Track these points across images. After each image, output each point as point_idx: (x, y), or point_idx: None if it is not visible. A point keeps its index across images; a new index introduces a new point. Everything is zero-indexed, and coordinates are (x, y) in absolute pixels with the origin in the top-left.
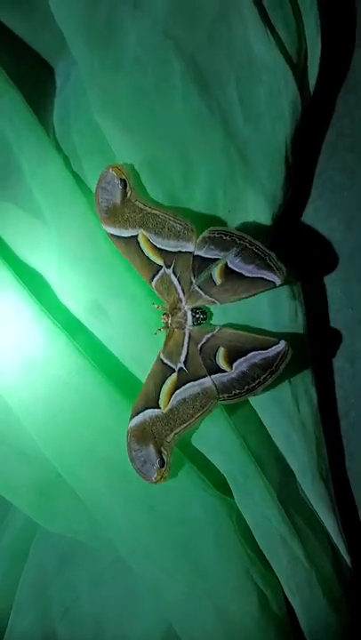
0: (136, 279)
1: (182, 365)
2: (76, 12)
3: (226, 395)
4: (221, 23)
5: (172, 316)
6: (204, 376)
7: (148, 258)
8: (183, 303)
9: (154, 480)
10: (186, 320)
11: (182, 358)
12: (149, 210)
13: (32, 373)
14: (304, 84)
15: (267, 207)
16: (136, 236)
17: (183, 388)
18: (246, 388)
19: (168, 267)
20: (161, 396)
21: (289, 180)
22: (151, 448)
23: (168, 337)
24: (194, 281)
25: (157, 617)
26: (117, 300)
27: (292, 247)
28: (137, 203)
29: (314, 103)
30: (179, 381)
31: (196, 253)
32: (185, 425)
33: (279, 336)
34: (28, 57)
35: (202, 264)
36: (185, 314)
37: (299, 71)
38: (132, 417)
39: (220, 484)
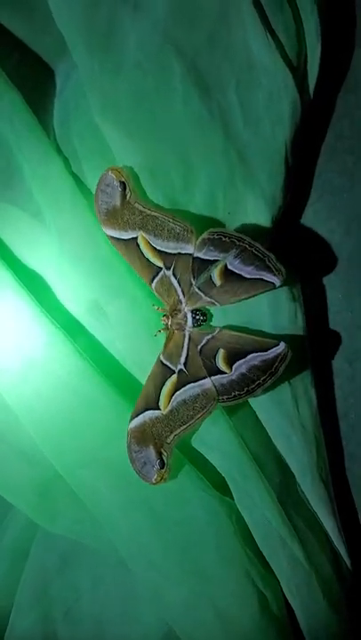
0: (136, 280)
1: (182, 367)
2: (76, 15)
3: (225, 396)
4: (221, 26)
5: (172, 317)
6: (204, 377)
7: (147, 260)
8: (183, 305)
9: (154, 481)
10: (186, 321)
11: (182, 360)
12: (149, 212)
13: (32, 373)
14: (304, 88)
15: (266, 209)
16: (136, 238)
17: (183, 389)
18: (246, 389)
19: (168, 268)
20: (161, 397)
21: (288, 183)
22: (151, 449)
23: (168, 338)
24: (194, 282)
25: (158, 618)
26: (117, 301)
27: (291, 249)
28: (136, 205)
29: (313, 105)
30: (179, 383)
31: (195, 255)
32: (185, 426)
33: (279, 338)
34: (29, 59)
35: (201, 266)
36: (185, 315)
37: (298, 74)
38: (132, 418)
39: (220, 485)
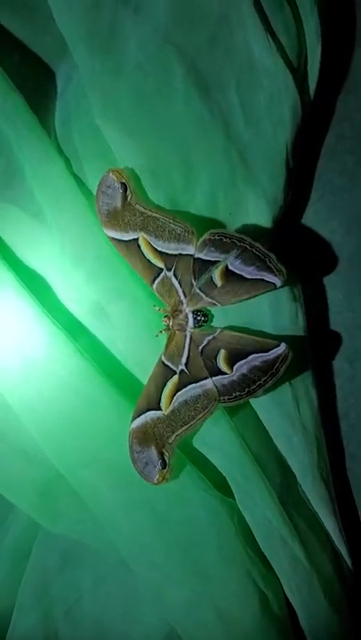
0: (137, 281)
1: (183, 367)
2: (77, 16)
3: (227, 397)
4: (222, 27)
5: (173, 318)
6: (205, 378)
7: (148, 261)
8: (184, 305)
9: (155, 481)
10: (187, 322)
11: (183, 360)
12: (150, 213)
13: (33, 373)
14: (304, 89)
15: (267, 210)
16: (137, 239)
17: (184, 389)
18: (247, 390)
19: (169, 269)
20: (162, 397)
21: (289, 183)
22: (153, 449)
23: (169, 339)
24: (195, 283)
25: (159, 618)
26: (119, 301)
27: (292, 249)
28: (137, 206)
29: (314, 105)
30: (180, 383)
31: (196, 256)
32: (186, 427)
33: (280, 338)
34: (30, 60)
35: (202, 266)
36: (186, 316)
37: (299, 75)
38: (134, 418)
39: (221, 486)
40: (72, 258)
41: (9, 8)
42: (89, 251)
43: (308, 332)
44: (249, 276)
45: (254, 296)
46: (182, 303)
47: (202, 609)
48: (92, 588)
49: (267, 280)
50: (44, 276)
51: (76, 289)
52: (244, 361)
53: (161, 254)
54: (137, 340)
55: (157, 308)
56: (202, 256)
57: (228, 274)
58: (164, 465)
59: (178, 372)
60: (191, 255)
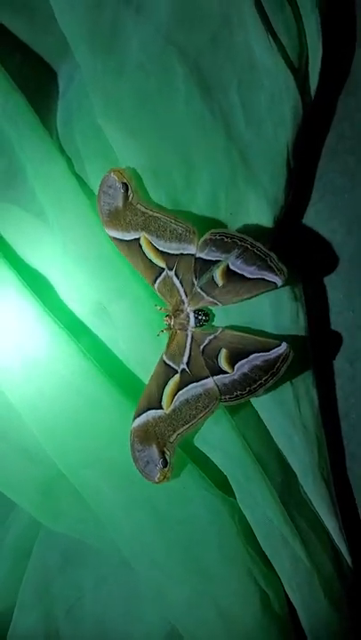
0: (139, 281)
1: (185, 366)
2: (79, 16)
3: (228, 396)
4: (223, 28)
5: (174, 317)
6: (207, 377)
7: (150, 260)
8: (185, 305)
9: (157, 480)
10: (188, 322)
11: (185, 359)
12: (151, 213)
13: (35, 373)
14: (305, 89)
15: (268, 210)
16: (138, 238)
17: (186, 389)
18: (248, 389)
19: (170, 269)
20: (164, 396)
21: (290, 183)
22: (154, 448)
23: (171, 338)
24: (196, 283)
25: (160, 617)
26: (120, 301)
27: (293, 249)
28: (139, 206)
29: (314, 106)
30: (181, 382)
31: (197, 255)
32: (187, 426)
33: (281, 338)
34: (31, 60)
35: (204, 266)
36: (187, 315)
37: (300, 76)
38: (135, 417)
39: (222, 485)
40: (74, 257)
41: (10, 8)
42: (91, 250)
43: (308, 331)
44: (250, 276)
45: (255, 295)
46: (184, 303)
47: (203, 608)
48: (93, 587)
49: (268, 279)
50: (45, 275)
51: (78, 288)
52: (246, 360)
53: (162, 254)
54: (138, 340)
55: (159, 308)
56: (203, 256)
57: (230, 273)
58: (165, 464)
59: (179, 371)
60: (192, 255)
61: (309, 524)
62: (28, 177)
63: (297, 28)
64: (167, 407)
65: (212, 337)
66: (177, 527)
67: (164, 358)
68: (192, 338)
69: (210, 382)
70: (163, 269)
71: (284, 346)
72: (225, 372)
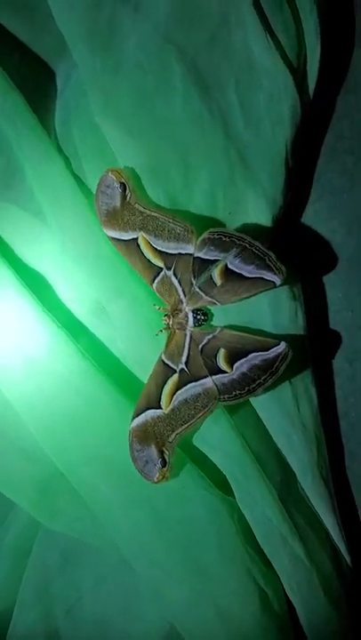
0: (137, 280)
1: (184, 366)
2: (77, 15)
3: (226, 395)
4: (222, 27)
5: (173, 317)
6: (205, 377)
7: (148, 260)
8: (184, 304)
9: (156, 480)
10: (187, 321)
11: (184, 359)
12: (149, 212)
13: (34, 372)
14: (304, 88)
15: (267, 209)
16: (136, 238)
17: (184, 388)
18: (247, 388)
19: (169, 269)
20: (162, 396)
21: (289, 183)
22: (153, 448)
23: (169, 338)
24: (194, 282)
25: (159, 616)
26: (119, 300)
27: (292, 249)
28: (137, 206)
29: (313, 105)
30: (180, 382)
31: (196, 255)
32: (186, 425)
33: (279, 337)
34: (30, 59)
35: (202, 265)
36: (186, 315)
37: (298, 75)
38: (134, 417)
39: (222, 484)
40: (72, 257)
41: (9, 8)
42: (89, 250)
43: (307, 331)
44: (248, 275)
45: (254, 295)
46: (182, 302)
47: (202, 607)
48: (92, 586)
49: (266, 279)
50: (44, 274)
51: (77, 288)
52: (244, 360)
53: (161, 253)
54: (137, 339)
55: (157, 307)
56: (201, 255)
57: (228, 272)
58: (164, 463)
59: (178, 370)
60: (191, 254)
61: (308, 523)
62: (26, 176)
63: (295, 27)
64: (166, 407)
65: (210, 336)
66: (176, 526)
67: (163, 358)
68: (191, 337)
69: (209, 382)
70: (161, 269)
71: (282, 345)
72: (224, 372)
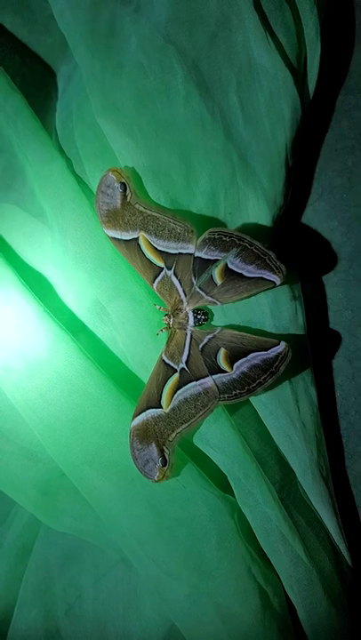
0: (138, 280)
1: (184, 366)
2: (78, 17)
3: (227, 395)
4: (222, 28)
5: (173, 316)
6: (206, 376)
7: (149, 260)
8: (185, 304)
9: (156, 479)
10: (187, 321)
11: (184, 358)
12: (149, 212)
13: (35, 372)
14: (304, 88)
15: (267, 209)
16: (137, 238)
17: (185, 387)
18: (247, 388)
19: (169, 268)
20: (163, 395)
21: (289, 183)
22: (153, 447)
23: (170, 337)
24: (195, 282)
25: (160, 615)
26: (120, 300)
27: (292, 249)
28: (137, 205)
29: (313, 105)
30: (180, 381)
31: (196, 255)
32: (187, 424)
33: (279, 337)
34: (31, 60)
35: (202, 265)
36: (186, 315)
37: (299, 75)
38: (135, 416)
39: (222, 483)
40: (73, 257)
41: (10, 9)
42: (91, 250)
43: (307, 330)
44: (248, 275)
45: (254, 294)
46: (183, 302)
47: (202, 606)
48: (93, 584)
49: (266, 278)
50: (45, 275)
51: (78, 288)
52: (245, 359)
53: (161, 253)
54: (138, 339)
55: (158, 307)
56: (202, 255)
57: (228, 272)
58: (164, 462)
59: (178, 370)
60: (191, 254)
61: (308, 523)
62: (27, 177)
63: (295, 27)
64: (166, 406)
65: (211, 336)
66: (176, 525)
67: (164, 357)
68: (191, 337)
69: (209, 381)
70: (161, 269)
71: (282, 345)
72: (224, 371)
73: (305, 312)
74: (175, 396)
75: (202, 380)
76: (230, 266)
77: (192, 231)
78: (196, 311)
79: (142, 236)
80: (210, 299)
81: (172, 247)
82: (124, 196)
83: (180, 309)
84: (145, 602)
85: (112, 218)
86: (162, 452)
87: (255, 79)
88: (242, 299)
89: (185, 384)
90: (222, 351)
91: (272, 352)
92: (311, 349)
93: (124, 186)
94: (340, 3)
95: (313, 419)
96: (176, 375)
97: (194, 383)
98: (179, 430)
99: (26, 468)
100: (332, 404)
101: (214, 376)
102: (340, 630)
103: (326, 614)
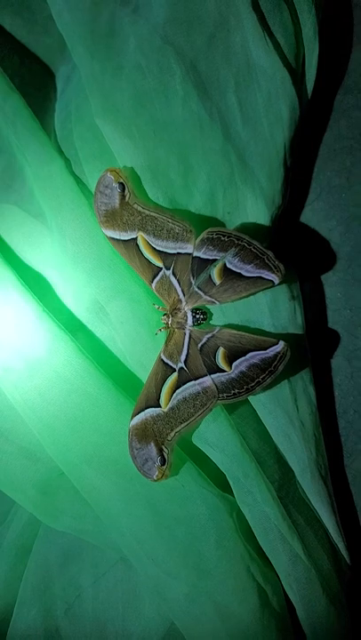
0: (137, 280)
1: (183, 365)
2: (77, 18)
3: (225, 394)
4: (220, 28)
5: (172, 316)
6: (205, 376)
7: (147, 260)
8: (183, 304)
9: (155, 478)
10: (186, 320)
11: (183, 358)
12: (148, 212)
13: (35, 371)
14: (302, 88)
15: (266, 209)
16: (135, 238)
17: (184, 387)
18: (246, 387)
19: (168, 268)
20: (162, 395)
21: (287, 182)
22: (152, 446)
23: (169, 337)
24: (193, 282)
25: (159, 613)
26: (119, 300)
27: (290, 248)
28: (135, 206)
29: (312, 105)
30: (179, 381)
31: (195, 254)
32: (185, 424)
33: (278, 336)
34: (30, 61)
35: (201, 265)
36: (185, 314)
37: (297, 75)
38: (134, 416)
39: (221, 483)
40: (72, 257)
41: (10, 10)
42: (89, 250)
43: (306, 329)
44: (247, 274)
45: (253, 294)
46: (181, 301)
47: (201, 604)
48: (92, 584)
49: (265, 277)
50: (44, 275)
51: (76, 288)
52: (243, 359)
53: (160, 253)
54: (136, 339)
55: (157, 307)
56: (200, 254)
57: (227, 272)
58: (163, 462)
59: (177, 369)
60: (190, 254)
61: (307, 521)
62: (26, 178)
63: (294, 28)
64: (165, 405)
65: (209, 335)
66: (175, 524)
67: (162, 357)
68: (190, 336)
69: (208, 381)
70: (160, 269)
71: (281, 344)
72: (223, 371)
73: (304, 311)
74: (174, 395)
75: (201, 380)
76: (229, 265)
77: (190, 231)
78: (194, 311)
79: (141, 236)
80: (208, 298)
81: (170, 247)
82: (123, 196)
83: (179, 309)
84: (144, 601)
85: (110, 218)
86: (161, 451)
87: (253, 79)
88: (240, 298)
89: (184, 383)
90: (221, 350)
91: (271, 351)
92: (310, 349)
93: (122, 186)
94: (338, 2)
95: (312, 418)
96: (175, 374)
97: (193, 382)
98: (178, 429)
99: (25, 468)
100: (330, 403)
101: (213, 375)
102: (339, 629)
103: (325, 613)
